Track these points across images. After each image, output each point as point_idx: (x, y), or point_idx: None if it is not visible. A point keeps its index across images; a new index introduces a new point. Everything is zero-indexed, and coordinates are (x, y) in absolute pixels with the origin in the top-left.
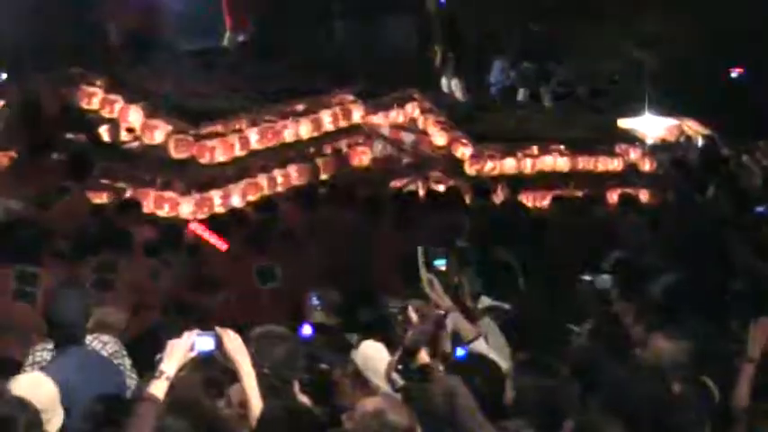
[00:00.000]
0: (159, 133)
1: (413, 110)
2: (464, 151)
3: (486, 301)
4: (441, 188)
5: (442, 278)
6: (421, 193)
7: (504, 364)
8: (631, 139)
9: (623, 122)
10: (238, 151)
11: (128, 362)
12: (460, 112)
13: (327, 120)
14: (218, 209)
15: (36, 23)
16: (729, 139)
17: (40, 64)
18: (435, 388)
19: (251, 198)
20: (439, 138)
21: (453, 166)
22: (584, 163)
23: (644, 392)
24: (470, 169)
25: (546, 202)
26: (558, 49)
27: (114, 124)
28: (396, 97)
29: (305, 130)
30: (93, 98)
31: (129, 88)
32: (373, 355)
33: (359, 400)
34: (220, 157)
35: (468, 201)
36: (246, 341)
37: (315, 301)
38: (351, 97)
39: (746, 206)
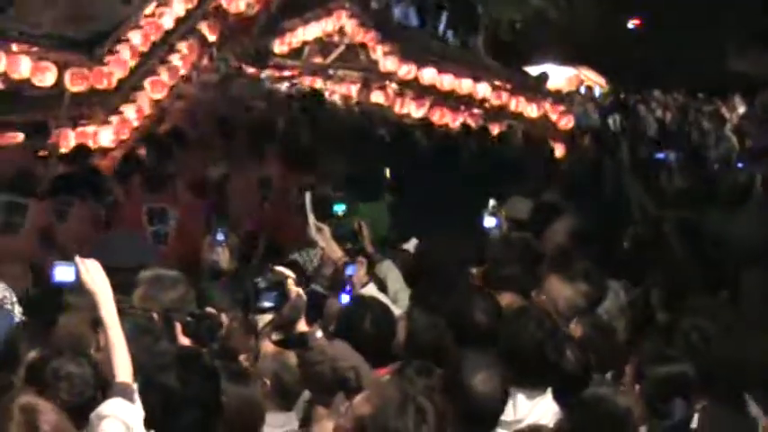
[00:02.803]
0: (51, 75)
1: (342, 18)
2: (382, 49)
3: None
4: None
5: (342, 224)
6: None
7: (402, 307)
8: (554, 95)
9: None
10: (131, 60)
11: (18, 309)
12: (390, 25)
13: None
14: (135, 123)
15: None
16: (625, 88)
17: None
18: (317, 356)
19: (158, 96)
20: (358, 36)
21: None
22: (502, 97)
23: (534, 334)
24: (385, 68)
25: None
26: None
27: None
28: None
29: (179, 6)
30: None
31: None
32: None
33: (247, 344)
34: (119, 75)
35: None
36: (135, 283)
37: (220, 237)
38: None
39: (643, 153)
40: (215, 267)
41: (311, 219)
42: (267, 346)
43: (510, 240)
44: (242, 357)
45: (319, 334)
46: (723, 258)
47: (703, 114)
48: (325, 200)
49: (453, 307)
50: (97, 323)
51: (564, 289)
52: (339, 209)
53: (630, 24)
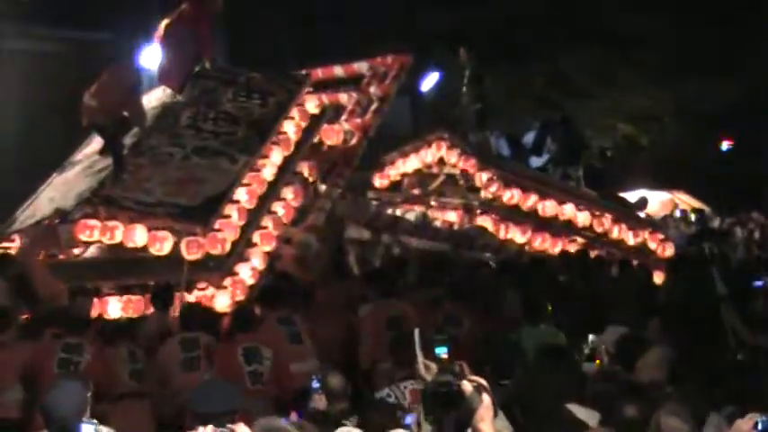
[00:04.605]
0: (168, 244)
1: (442, 148)
2: (483, 175)
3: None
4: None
5: (445, 366)
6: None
7: None
8: (653, 222)
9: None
10: (239, 221)
11: None
12: (490, 152)
13: (292, 131)
14: (250, 281)
15: None
16: (720, 210)
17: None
18: None
19: (268, 248)
20: (459, 163)
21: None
22: (603, 224)
23: None
24: (486, 192)
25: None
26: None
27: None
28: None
29: (278, 155)
30: (95, 230)
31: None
32: None
33: None
34: (231, 238)
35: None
36: None
37: (315, 385)
38: (304, 90)
39: (741, 279)
40: (315, 414)
41: (420, 357)
42: None
43: (607, 375)
44: None
45: None
46: None
47: None
48: (427, 341)
49: None
50: None
51: (670, 420)
52: (441, 351)
53: (724, 146)
